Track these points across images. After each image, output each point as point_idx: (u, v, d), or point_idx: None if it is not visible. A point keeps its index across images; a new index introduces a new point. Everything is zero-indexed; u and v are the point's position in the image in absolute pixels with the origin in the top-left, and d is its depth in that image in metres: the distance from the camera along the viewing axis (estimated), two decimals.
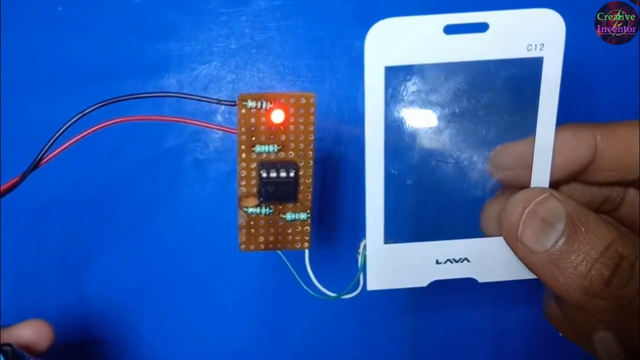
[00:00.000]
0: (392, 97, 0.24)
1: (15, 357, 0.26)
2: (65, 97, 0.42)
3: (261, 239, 0.28)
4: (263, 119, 0.26)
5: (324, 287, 0.28)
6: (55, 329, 0.29)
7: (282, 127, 0.26)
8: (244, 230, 0.28)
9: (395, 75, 0.23)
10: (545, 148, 0.24)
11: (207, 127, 0.29)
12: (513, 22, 0.23)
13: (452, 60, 0.23)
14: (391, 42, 0.23)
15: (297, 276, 0.28)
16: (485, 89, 0.24)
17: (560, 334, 0.27)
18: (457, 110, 0.25)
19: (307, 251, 0.28)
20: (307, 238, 0.28)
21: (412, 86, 0.24)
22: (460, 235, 0.26)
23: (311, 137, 0.26)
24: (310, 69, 0.43)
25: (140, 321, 0.44)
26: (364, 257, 0.26)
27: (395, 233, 0.26)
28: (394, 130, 0.24)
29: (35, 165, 0.26)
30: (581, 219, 0.22)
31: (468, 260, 0.26)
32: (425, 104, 0.25)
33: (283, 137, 0.26)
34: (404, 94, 0.24)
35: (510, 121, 0.25)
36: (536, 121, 0.24)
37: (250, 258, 0.39)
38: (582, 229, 0.22)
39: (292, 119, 0.26)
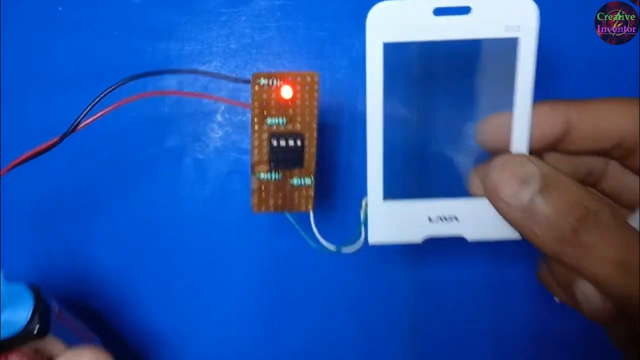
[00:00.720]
0: (389, 70, 0.27)
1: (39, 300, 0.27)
2: (64, 97, 0.42)
3: (271, 201, 0.31)
4: (273, 94, 0.29)
5: (329, 238, 0.31)
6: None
7: (290, 102, 0.30)
8: (256, 194, 0.31)
9: (392, 50, 0.26)
10: (523, 121, 0.27)
11: (229, 102, 0.35)
12: (493, 6, 0.26)
13: (441, 39, 0.26)
14: (388, 21, 0.26)
15: (302, 232, 0.31)
16: (470, 65, 0.27)
17: (556, 299, 0.30)
18: (447, 84, 0.28)
19: (311, 212, 0.31)
20: (311, 201, 0.32)
21: (406, 60, 0.27)
22: (450, 195, 0.29)
23: (315, 111, 0.30)
24: (310, 69, 0.42)
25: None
26: (366, 212, 0.29)
27: (393, 191, 0.29)
28: (391, 99, 0.27)
29: (73, 129, 0.30)
30: (553, 178, 0.25)
31: (457, 219, 0.29)
32: (419, 77, 0.28)
33: (291, 111, 0.30)
34: (400, 67, 0.27)
35: (492, 95, 0.28)
36: (514, 96, 0.27)
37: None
38: (554, 186, 0.25)
39: (298, 95, 0.30)
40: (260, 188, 0.31)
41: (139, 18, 0.42)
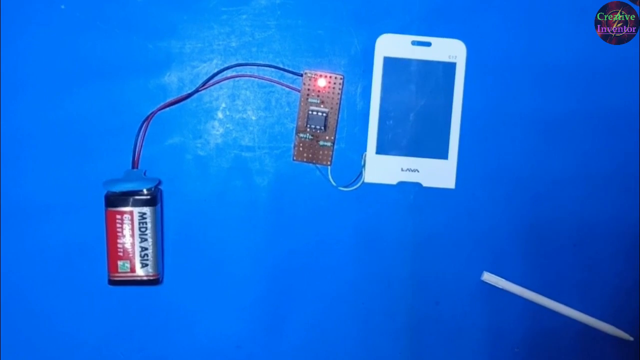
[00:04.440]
0: (386, 74, 0.46)
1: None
2: (67, 94, 0.44)
3: (304, 154, 0.46)
4: (314, 84, 0.45)
5: (340, 184, 0.46)
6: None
7: (323, 90, 0.45)
8: (296, 148, 0.46)
9: (389, 62, 0.46)
10: (455, 116, 0.47)
11: (288, 87, 0.45)
12: (442, 44, 0.47)
13: (415, 58, 0.46)
14: (387, 45, 0.46)
15: (319, 171, 0.46)
16: (430, 75, 0.46)
17: None
18: (419, 87, 0.46)
19: (329, 167, 0.46)
20: (330, 159, 0.46)
21: (397, 69, 0.46)
22: (416, 155, 0.47)
23: (338, 98, 0.45)
24: (309, 67, 0.46)
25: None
26: (364, 161, 0.46)
27: (382, 149, 0.47)
28: (387, 93, 0.46)
29: (195, 92, 0.44)
30: None
31: (418, 171, 0.47)
32: (404, 79, 0.46)
33: (323, 96, 0.45)
34: (393, 72, 0.46)
35: (439, 95, 0.47)
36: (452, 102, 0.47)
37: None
38: None
39: (329, 86, 0.45)
40: (299, 145, 0.46)
41: (140, 17, 0.45)
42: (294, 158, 0.47)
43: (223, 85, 0.46)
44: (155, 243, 0.44)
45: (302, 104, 0.46)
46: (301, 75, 0.46)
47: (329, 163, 0.47)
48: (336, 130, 0.47)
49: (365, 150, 0.47)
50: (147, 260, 0.44)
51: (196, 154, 0.46)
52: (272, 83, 0.46)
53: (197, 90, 0.45)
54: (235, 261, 0.47)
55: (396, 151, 0.47)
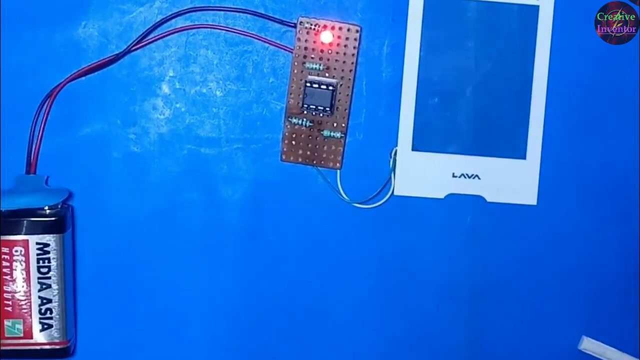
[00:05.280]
0: (429, 24, 0.38)
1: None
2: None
3: (300, 152, 0.39)
4: (314, 40, 0.39)
5: (356, 198, 0.40)
6: None
7: (329, 49, 0.38)
8: (286, 141, 0.39)
9: (433, 4, 0.38)
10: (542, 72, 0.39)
11: (272, 44, 0.38)
12: None
13: None
14: None
15: (322, 178, 0.39)
16: (500, 29, 0.39)
17: None
18: (481, 46, 0.39)
19: (338, 172, 0.39)
20: (339, 158, 0.39)
21: (446, 17, 0.39)
22: (474, 152, 0.39)
23: (352, 64, 0.38)
24: (307, 13, 0.41)
25: None
26: (395, 162, 0.39)
27: (422, 143, 0.39)
28: (428, 52, 0.39)
29: (126, 52, 0.37)
30: None
31: (479, 178, 0.39)
32: (457, 33, 0.39)
33: (329, 60, 0.39)
34: (441, 23, 0.39)
35: (516, 54, 0.39)
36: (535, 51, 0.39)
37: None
38: None
39: (338, 44, 0.38)
40: (291, 135, 0.39)
41: None
42: (283, 157, 0.40)
43: (170, 41, 0.39)
44: (63, 291, 0.38)
45: (295, 71, 0.39)
46: (294, 26, 0.39)
47: (338, 165, 0.40)
48: (349, 113, 0.40)
49: (396, 145, 0.40)
50: (50, 319, 0.37)
51: (128, 151, 0.40)
52: (249, 38, 0.40)
53: (128, 50, 0.39)
54: (190, 318, 0.41)
55: (444, 147, 0.39)
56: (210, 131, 0.41)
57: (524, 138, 0.39)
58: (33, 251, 0.37)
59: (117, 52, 0.40)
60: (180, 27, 0.40)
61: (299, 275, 0.42)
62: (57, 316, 0.38)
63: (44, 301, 0.38)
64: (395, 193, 0.40)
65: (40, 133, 0.39)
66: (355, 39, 0.39)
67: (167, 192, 0.40)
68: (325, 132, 0.40)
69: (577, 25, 0.42)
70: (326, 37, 0.39)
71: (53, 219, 0.37)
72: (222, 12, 0.40)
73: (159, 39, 0.39)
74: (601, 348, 0.42)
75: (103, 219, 0.40)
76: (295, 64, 0.40)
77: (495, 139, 0.40)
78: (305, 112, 0.40)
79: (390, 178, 0.40)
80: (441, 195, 0.40)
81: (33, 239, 0.37)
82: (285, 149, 0.41)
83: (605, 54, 0.42)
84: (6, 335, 0.38)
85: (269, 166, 0.41)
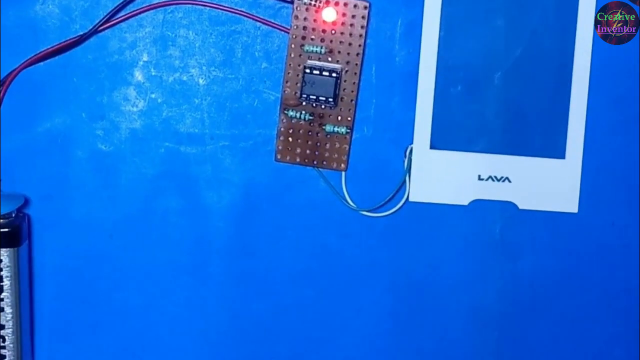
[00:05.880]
0: (447, 14, 0.35)
1: None
2: None
3: (298, 150, 0.36)
4: (314, 17, 0.35)
5: (364, 204, 0.36)
6: None
7: (332, 29, 0.35)
8: (282, 138, 0.36)
9: None
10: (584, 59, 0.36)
11: (264, 22, 0.36)
12: None
13: None
14: None
15: (325, 181, 0.36)
16: (534, 4, 0.35)
17: None
18: (512, 24, 0.34)
19: (343, 173, 0.36)
20: (344, 158, 0.36)
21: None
22: (504, 151, 0.35)
23: (360, 45, 0.35)
24: None
25: None
26: (410, 162, 0.36)
27: (442, 140, 0.35)
28: (449, 31, 0.35)
29: (92, 32, 0.35)
30: None
31: (509, 181, 0.35)
32: (483, 9, 0.35)
33: (332, 41, 0.35)
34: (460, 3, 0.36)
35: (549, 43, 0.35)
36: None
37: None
38: None
39: (342, 21, 0.35)
40: (288, 131, 0.36)
41: None
42: (278, 157, 0.37)
43: (145, 20, 0.36)
44: (17, 316, 0.34)
45: (292, 55, 0.36)
46: (291, 2, 0.36)
47: (343, 166, 0.37)
48: (356, 104, 0.37)
49: (412, 143, 0.36)
50: (2, 348, 0.35)
51: (95, 149, 0.36)
52: (237, 15, 0.37)
53: (95, 31, 0.36)
54: (169, 347, 0.38)
55: (469, 144, 0.35)
56: (191, 126, 0.38)
57: (563, 133, 0.36)
58: None
59: (81, 32, 0.37)
60: (157, 3, 0.38)
61: (297, 296, 0.39)
62: (11, 345, 0.35)
63: None
64: (411, 199, 0.37)
65: None
66: (363, 17, 0.36)
67: (141, 199, 0.38)
68: (328, 127, 0.37)
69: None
70: (329, 14, 0.36)
71: (6, 230, 0.34)
72: None
73: (131, 16, 0.36)
74: None
75: (65, 230, 0.37)
76: (292, 46, 0.37)
77: (529, 135, 0.36)
78: (304, 103, 0.37)
79: (404, 181, 0.37)
80: (465, 202, 0.36)
81: None
82: (280, 147, 0.38)
83: None
84: None
85: (262, 167, 0.38)
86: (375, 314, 0.40)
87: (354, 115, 0.37)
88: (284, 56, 0.37)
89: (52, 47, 0.36)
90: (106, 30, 0.38)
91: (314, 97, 0.36)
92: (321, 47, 0.37)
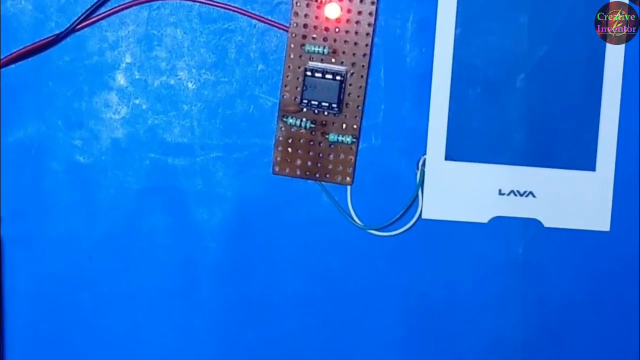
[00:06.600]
0: (463, 10, 0.33)
1: None
2: None
3: (298, 162, 0.34)
4: (316, 14, 0.33)
5: (371, 222, 0.34)
6: None
7: (336, 27, 0.33)
8: (281, 148, 0.34)
9: None
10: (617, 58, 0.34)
11: (260, 19, 0.34)
12: None
13: None
14: None
15: (328, 197, 0.34)
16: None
17: None
18: (536, 21, 0.32)
19: (349, 188, 0.34)
20: (349, 171, 0.34)
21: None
22: (527, 162, 0.33)
23: (367, 45, 0.33)
24: None
25: None
26: (423, 175, 0.33)
27: (459, 151, 0.33)
28: (466, 29, 0.32)
29: (70, 31, 0.34)
30: None
31: (534, 195, 0.33)
32: (504, 4, 0.33)
33: (336, 40, 0.34)
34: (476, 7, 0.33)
35: (576, 42, 0.33)
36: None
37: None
38: None
39: (347, 18, 0.33)
40: (287, 140, 0.34)
41: None
42: (276, 169, 0.35)
43: (127, 17, 0.34)
44: None
45: (291, 55, 0.34)
46: None
47: (348, 180, 0.34)
48: (362, 111, 0.34)
49: (425, 153, 0.34)
50: None
51: (72, 161, 0.34)
52: (230, 12, 0.34)
53: (73, 29, 0.34)
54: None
55: (488, 155, 0.33)
56: (180, 135, 0.36)
57: (593, 143, 0.33)
58: None
59: (57, 31, 0.34)
60: None
61: (297, 324, 0.36)
62: None
63: None
64: (424, 216, 0.34)
65: None
66: (370, 13, 0.34)
67: (124, 216, 0.36)
68: (332, 137, 0.35)
69: None
70: (332, 10, 0.34)
71: None
72: None
73: (112, 14, 0.34)
74: None
75: (39, 251, 0.35)
76: (292, 46, 0.35)
77: (555, 145, 0.33)
78: (304, 109, 0.35)
79: (416, 196, 0.34)
80: (484, 219, 0.34)
81: None
82: (278, 159, 0.36)
83: None
84: None
85: (258, 181, 0.36)
86: (385, 344, 0.37)
87: (361, 123, 0.35)
88: (282, 57, 0.35)
89: (24, 47, 0.35)
90: (85, 29, 0.35)
91: (316, 103, 0.34)
92: (324, 47, 0.34)
